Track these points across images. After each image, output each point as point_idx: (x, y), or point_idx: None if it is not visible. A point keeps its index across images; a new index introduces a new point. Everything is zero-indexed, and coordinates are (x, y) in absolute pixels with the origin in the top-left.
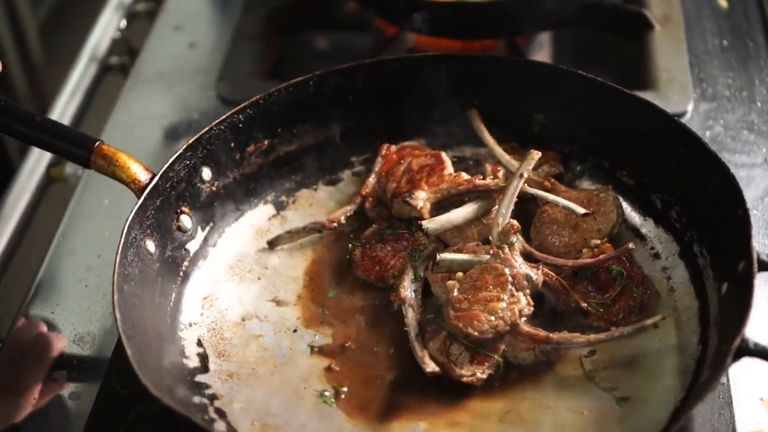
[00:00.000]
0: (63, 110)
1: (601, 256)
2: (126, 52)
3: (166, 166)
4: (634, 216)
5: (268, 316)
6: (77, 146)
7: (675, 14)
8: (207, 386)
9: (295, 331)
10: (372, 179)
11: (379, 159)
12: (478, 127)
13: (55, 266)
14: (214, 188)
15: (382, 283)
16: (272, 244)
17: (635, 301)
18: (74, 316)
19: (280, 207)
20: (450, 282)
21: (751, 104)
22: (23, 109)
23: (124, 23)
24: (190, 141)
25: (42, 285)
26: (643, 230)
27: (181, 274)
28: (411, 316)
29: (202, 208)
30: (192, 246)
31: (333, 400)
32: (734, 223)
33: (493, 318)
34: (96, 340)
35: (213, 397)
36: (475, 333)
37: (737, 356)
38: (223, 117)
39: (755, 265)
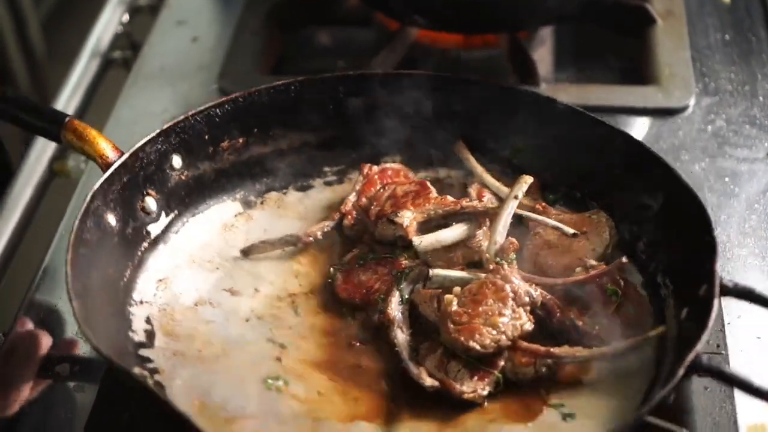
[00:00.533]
0: (65, 105)
1: (593, 272)
2: (128, 46)
3: (136, 146)
4: None
5: (222, 303)
6: (48, 121)
7: (677, 9)
8: (150, 360)
9: (247, 320)
10: (352, 197)
11: (361, 178)
12: (466, 157)
13: (58, 260)
14: (183, 177)
15: (367, 305)
16: (246, 253)
17: (631, 319)
18: None
19: (247, 206)
20: (448, 296)
21: (753, 99)
22: None
23: (126, 18)
24: (165, 126)
25: (45, 279)
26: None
27: (139, 253)
28: (401, 336)
29: (169, 194)
30: (154, 229)
31: (280, 386)
32: (700, 250)
33: (495, 332)
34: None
35: (154, 371)
36: (478, 347)
37: (689, 371)
38: (201, 108)
39: (717, 287)
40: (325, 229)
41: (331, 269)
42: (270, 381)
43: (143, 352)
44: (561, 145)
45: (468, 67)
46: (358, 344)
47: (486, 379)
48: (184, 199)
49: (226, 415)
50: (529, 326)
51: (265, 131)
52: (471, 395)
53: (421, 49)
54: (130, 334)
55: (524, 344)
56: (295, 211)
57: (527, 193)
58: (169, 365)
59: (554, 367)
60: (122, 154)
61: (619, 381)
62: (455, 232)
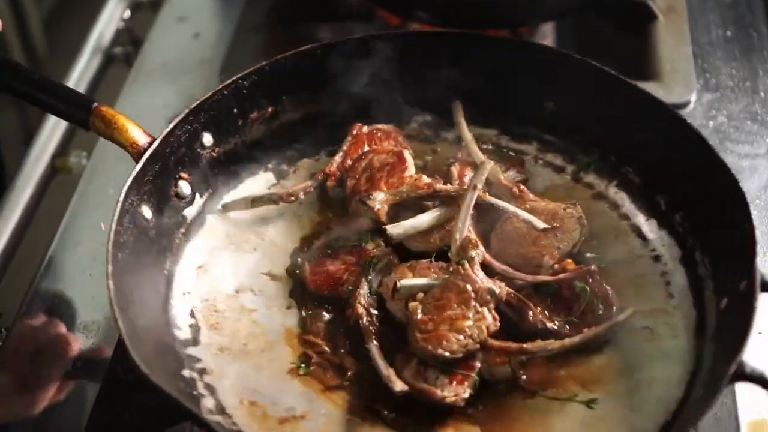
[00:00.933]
0: None
1: (563, 275)
2: (130, 42)
3: (167, 131)
4: (637, 214)
5: (263, 290)
6: (76, 106)
7: (678, 5)
8: (198, 360)
9: (288, 308)
10: (338, 158)
11: (349, 138)
12: (459, 120)
13: (60, 256)
14: (214, 154)
15: (337, 297)
16: (226, 208)
17: (601, 318)
18: (79, 305)
19: (280, 175)
20: (412, 304)
21: (755, 95)
22: (23, 67)
23: (128, 14)
24: (193, 105)
25: (47, 274)
26: (645, 230)
27: (177, 241)
28: (369, 335)
29: (202, 174)
30: (189, 212)
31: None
32: (739, 239)
33: (461, 337)
34: (101, 329)
35: (203, 372)
36: (446, 353)
37: (733, 380)
38: (227, 82)
39: (758, 286)
40: (308, 190)
41: (299, 259)
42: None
43: (190, 350)
44: (598, 110)
45: None
46: None
47: (465, 382)
48: (217, 176)
49: (277, 415)
50: (494, 325)
51: (293, 98)
52: (453, 398)
53: None
54: (176, 332)
55: (496, 344)
56: None
57: (512, 170)
58: (217, 363)
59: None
60: (153, 139)
61: (657, 367)
62: (431, 216)
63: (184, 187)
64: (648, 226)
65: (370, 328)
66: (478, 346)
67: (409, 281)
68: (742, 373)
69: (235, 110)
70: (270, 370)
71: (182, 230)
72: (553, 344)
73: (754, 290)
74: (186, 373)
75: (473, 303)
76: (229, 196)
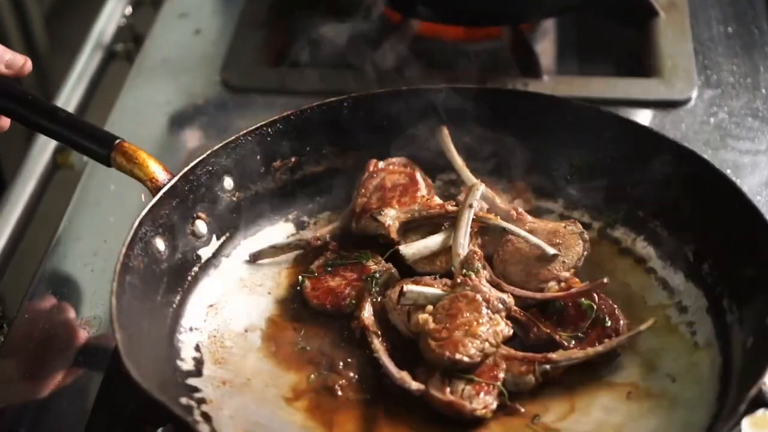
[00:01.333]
0: (68, 97)
1: (572, 290)
2: (131, 39)
3: (186, 169)
4: (664, 267)
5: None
6: (98, 143)
7: (679, 1)
8: (197, 390)
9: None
10: (356, 197)
11: (365, 175)
12: (447, 146)
13: (62, 251)
14: (234, 198)
15: (338, 312)
16: (255, 258)
17: (607, 332)
18: (80, 300)
19: (300, 226)
20: (422, 316)
21: (756, 91)
22: (48, 104)
23: (129, 10)
24: (215, 147)
25: (48, 270)
26: (672, 283)
27: (189, 278)
28: (377, 341)
29: (221, 216)
30: (204, 252)
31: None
32: (764, 276)
33: (477, 341)
34: (102, 324)
35: (201, 401)
36: (465, 358)
37: (753, 407)
38: (252, 128)
39: None
40: (335, 232)
41: (300, 277)
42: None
43: (191, 381)
44: (626, 164)
45: (470, 60)
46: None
47: (492, 393)
48: (236, 221)
49: None
50: (508, 331)
51: (317, 150)
52: (483, 411)
53: (423, 41)
54: (179, 362)
55: (520, 353)
56: None
57: (517, 199)
58: (218, 395)
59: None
60: (173, 176)
61: (677, 412)
62: (442, 237)
63: (201, 226)
64: (675, 279)
65: (378, 336)
66: (494, 349)
67: (416, 288)
68: (763, 400)
69: (258, 157)
70: (273, 404)
71: (196, 269)
72: (578, 353)
73: None
74: (184, 400)
75: (485, 310)
76: (247, 242)
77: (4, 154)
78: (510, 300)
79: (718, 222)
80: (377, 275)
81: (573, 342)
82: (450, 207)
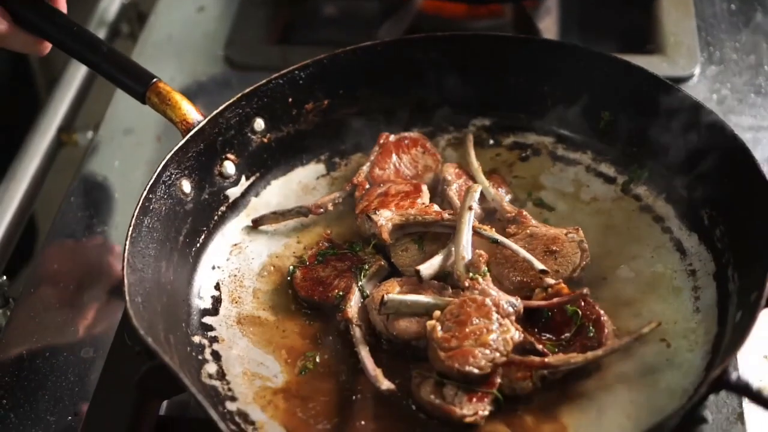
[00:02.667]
0: (72, 75)
1: (555, 300)
2: (135, 17)
3: (216, 112)
4: (680, 228)
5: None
6: (136, 80)
7: None
8: (212, 328)
9: None
10: (365, 168)
11: (376, 148)
12: (468, 150)
13: (66, 226)
14: (265, 140)
15: (326, 304)
16: (257, 223)
17: (591, 341)
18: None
19: (331, 167)
20: (430, 322)
21: (759, 67)
22: (92, 35)
23: None
24: (247, 90)
25: (50, 250)
26: (686, 245)
27: (216, 218)
28: (359, 335)
29: (250, 157)
30: (232, 193)
31: (310, 367)
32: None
33: (488, 351)
34: (108, 296)
35: (214, 340)
36: (475, 370)
37: (716, 388)
38: (284, 71)
39: (764, 298)
40: (336, 201)
41: (291, 267)
42: (306, 364)
43: (207, 319)
44: (656, 122)
45: None
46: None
47: (485, 400)
48: (266, 161)
49: (275, 386)
50: (518, 336)
51: (350, 93)
52: (472, 418)
53: (426, 19)
54: (197, 301)
55: (518, 358)
56: None
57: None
58: (230, 334)
59: (550, 377)
60: (205, 117)
61: (664, 379)
62: (452, 250)
63: (229, 167)
64: (689, 241)
65: (360, 331)
66: (504, 359)
67: (397, 297)
68: (727, 383)
69: (290, 99)
70: (279, 346)
71: (223, 208)
72: (576, 357)
73: (760, 301)
74: (197, 339)
75: (495, 315)
76: (278, 182)
77: (9, 134)
78: (519, 303)
79: (733, 189)
80: (366, 267)
81: (556, 350)
82: (446, 215)
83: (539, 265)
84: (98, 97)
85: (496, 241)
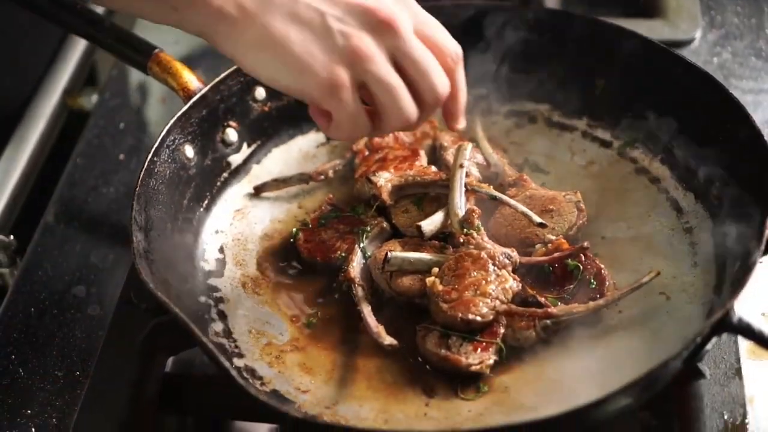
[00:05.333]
0: (76, 40)
1: (556, 254)
2: None
3: (217, 79)
4: (676, 188)
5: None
6: (137, 51)
7: None
8: (217, 289)
9: None
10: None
11: None
12: (476, 132)
13: (72, 187)
14: (266, 108)
15: (329, 265)
16: (259, 190)
17: (593, 293)
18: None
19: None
20: (429, 278)
21: (760, 31)
22: (94, 12)
23: None
24: None
25: (57, 211)
26: (683, 204)
27: (219, 184)
28: (361, 294)
29: (252, 125)
30: (234, 159)
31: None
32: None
33: (488, 300)
34: (114, 257)
35: (219, 300)
36: (477, 317)
37: (719, 330)
38: None
39: (762, 246)
40: (337, 168)
41: (294, 229)
42: (310, 320)
43: (212, 281)
44: (649, 85)
45: None
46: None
47: (490, 349)
48: (267, 129)
49: (280, 344)
50: (516, 286)
51: None
52: (478, 367)
53: None
54: (202, 263)
55: (521, 308)
56: None
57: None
58: (235, 295)
59: (553, 327)
60: (205, 85)
61: (666, 330)
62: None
63: (231, 134)
64: (685, 200)
65: (362, 290)
66: (505, 307)
67: (400, 253)
68: (729, 324)
69: None
70: (285, 307)
71: (225, 174)
72: (579, 308)
73: (757, 249)
74: (202, 299)
75: (491, 267)
76: (278, 150)
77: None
78: (515, 254)
79: (727, 145)
80: (368, 229)
81: (558, 303)
82: (444, 176)
83: (536, 219)
84: (103, 61)
85: (494, 198)
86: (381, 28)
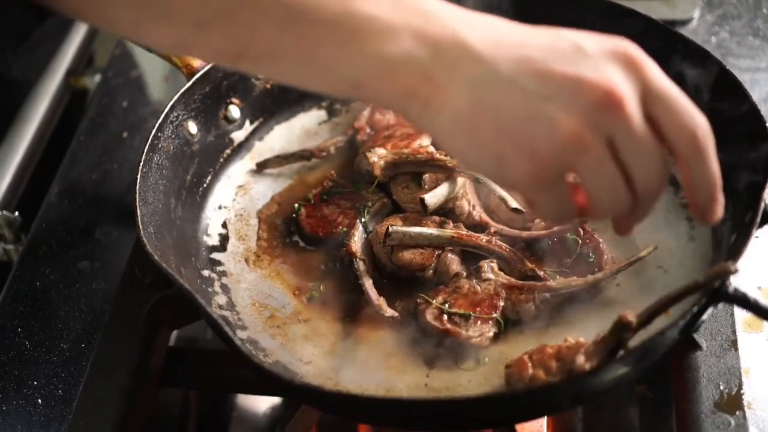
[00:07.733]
0: (79, 23)
1: (555, 228)
2: None
3: None
4: (673, 165)
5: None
6: None
7: None
8: (220, 263)
9: None
10: (366, 112)
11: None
12: None
13: (76, 165)
14: (268, 85)
15: (330, 239)
16: (261, 167)
17: (591, 267)
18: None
19: (332, 113)
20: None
21: (757, 11)
22: None
23: None
24: None
25: (61, 187)
26: (679, 178)
27: (221, 160)
28: (363, 267)
29: (254, 102)
30: (237, 136)
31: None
32: (758, 175)
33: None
34: (118, 233)
35: (222, 274)
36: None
37: (715, 300)
38: None
39: (759, 218)
40: (338, 145)
41: (296, 204)
42: (312, 293)
43: (215, 255)
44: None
45: None
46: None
47: (489, 322)
48: (269, 107)
49: (283, 316)
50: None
51: None
52: (478, 339)
53: None
54: (204, 238)
55: (520, 282)
56: None
57: None
58: (238, 269)
59: (552, 300)
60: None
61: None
62: (460, 182)
63: (234, 111)
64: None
65: (364, 264)
66: (504, 280)
67: (401, 228)
68: (725, 294)
69: None
70: (286, 280)
71: (228, 151)
72: (578, 281)
73: (754, 220)
74: (206, 273)
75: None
76: (280, 127)
77: (18, 76)
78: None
79: (723, 120)
80: (369, 204)
81: (557, 277)
82: (437, 155)
83: (512, 203)
84: (105, 40)
85: (478, 180)
86: (602, 109)
